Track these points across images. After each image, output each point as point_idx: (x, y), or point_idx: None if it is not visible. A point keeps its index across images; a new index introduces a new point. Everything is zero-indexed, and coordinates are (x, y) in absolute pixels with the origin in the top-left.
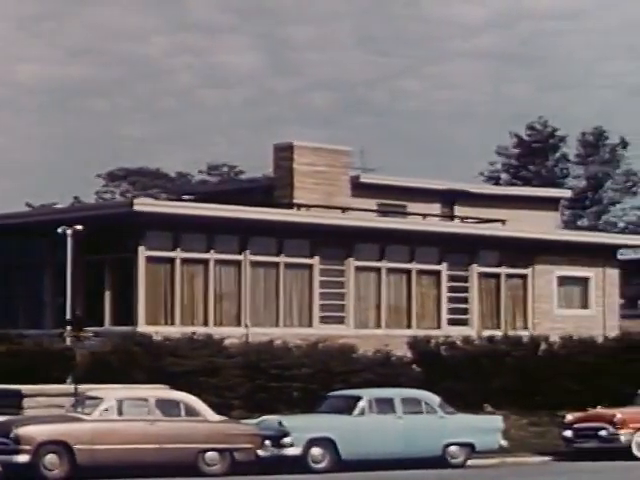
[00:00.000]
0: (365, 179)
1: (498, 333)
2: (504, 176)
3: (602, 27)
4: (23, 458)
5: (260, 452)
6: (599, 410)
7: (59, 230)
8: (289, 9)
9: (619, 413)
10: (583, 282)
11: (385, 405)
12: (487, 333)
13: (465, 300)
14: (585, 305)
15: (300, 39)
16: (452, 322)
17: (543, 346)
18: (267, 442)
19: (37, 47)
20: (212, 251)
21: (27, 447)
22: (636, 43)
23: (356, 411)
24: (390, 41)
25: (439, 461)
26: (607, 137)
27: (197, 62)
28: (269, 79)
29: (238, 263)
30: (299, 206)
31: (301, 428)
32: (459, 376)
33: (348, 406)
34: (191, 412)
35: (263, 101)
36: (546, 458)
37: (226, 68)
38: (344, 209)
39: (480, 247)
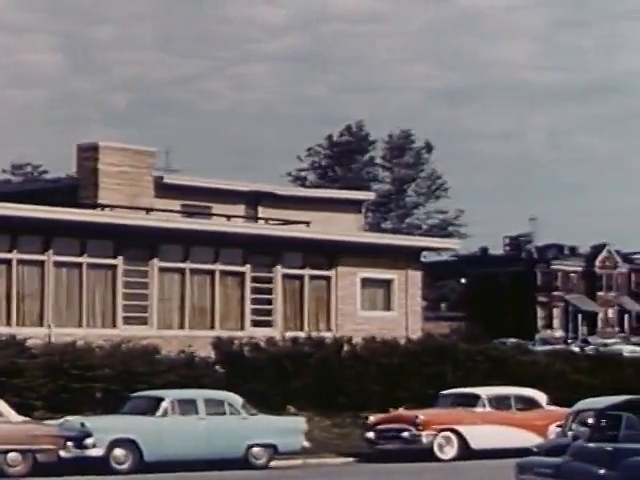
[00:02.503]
0: (169, 180)
1: (301, 334)
2: (311, 177)
3: (404, 31)
4: None
5: (62, 453)
6: (401, 411)
7: None
8: (91, 9)
9: (421, 414)
10: (386, 284)
11: (188, 406)
12: (290, 334)
13: (269, 301)
14: (388, 307)
15: (103, 39)
16: (256, 323)
17: (346, 347)
18: (69, 443)
19: None
20: (15, 251)
21: None
22: (438, 47)
23: (159, 412)
24: (194, 42)
25: (242, 462)
26: (413, 141)
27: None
28: (72, 79)
29: (41, 263)
30: (103, 206)
31: (103, 429)
32: (263, 377)
33: (151, 407)
34: None
35: (66, 101)
36: (349, 459)
37: (29, 67)
38: (148, 210)
39: (284, 249)
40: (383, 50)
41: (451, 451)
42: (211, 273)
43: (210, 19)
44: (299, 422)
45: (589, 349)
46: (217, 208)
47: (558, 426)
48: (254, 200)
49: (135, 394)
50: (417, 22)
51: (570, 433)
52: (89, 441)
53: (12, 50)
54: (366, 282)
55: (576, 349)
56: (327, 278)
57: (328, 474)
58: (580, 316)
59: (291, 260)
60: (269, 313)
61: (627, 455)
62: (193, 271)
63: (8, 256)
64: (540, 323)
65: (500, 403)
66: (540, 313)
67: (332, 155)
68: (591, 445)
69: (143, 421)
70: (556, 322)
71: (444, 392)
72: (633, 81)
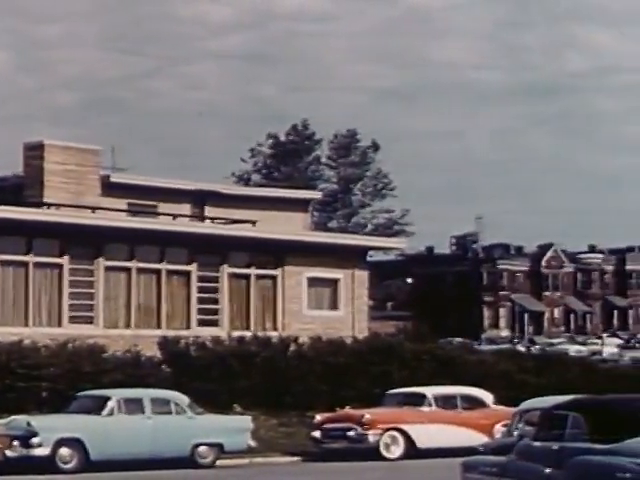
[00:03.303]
0: (115, 179)
1: (248, 334)
2: (255, 177)
3: (352, 30)
4: None
5: (8, 452)
6: (348, 411)
7: None
8: (37, 7)
9: (367, 414)
10: (332, 283)
11: (134, 405)
12: (237, 334)
13: (215, 301)
14: (334, 306)
15: (49, 37)
16: (202, 322)
17: (292, 347)
18: (15, 442)
19: None
20: None
21: None
22: (385, 47)
23: (105, 411)
24: (139, 40)
25: (188, 461)
26: (359, 140)
27: None
28: (18, 77)
29: None
30: (49, 205)
31: (49, 428)
32: (209, 376)
33: (97, 406)
34: None
35: (12, 99)
36: (295, 458)
37: None
38: (94, 209)
39: (230, 248)
40: (330, 49)
41: (397, 450)
42: (157, 272)
43: (157, 17)
44: (245, 421)
45: (535, 349)
46: (163, 207)
47: (504, 425)
48: (200, 199)
49: (81, 393)
50: (364, 22)
51: (516, 432)
52: (35, 440)
53: None
54: (312, 281)
55: (522, 349)
56: (273, 277)
57: (274, 473)
58: (526, 316)
59: (237, 259)
60: (215, 312)
61: (572, 454)
62: (139, 270)
63: None
64: (486, 323)
65: (446, 402)
66: (486, 313)
67: (277, 154)
68: (537, 444)
69: (89, 420)
70: (502, 322)
71: (390, 391)
72: (577, 81)
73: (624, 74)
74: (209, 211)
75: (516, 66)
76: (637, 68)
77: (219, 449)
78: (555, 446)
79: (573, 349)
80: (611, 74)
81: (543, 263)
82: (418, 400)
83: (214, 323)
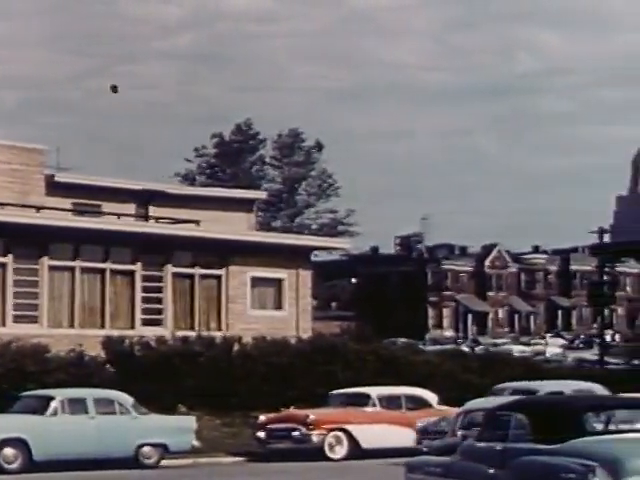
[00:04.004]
0: (60, 178)
1: (192, 333)
2: (200, 177)
3: (298, 31)
4: None
5: None
6: (292, 411)
7: None
8: None
9: (312, 414)
10: (277, 283)
11: (78, 405)
12: (181, 333)
13: (159, 300)
14: (279, 306)
15: None
16: (146, 322)
17: (236, 347)
18: None
19: None
20: None
21: None
22: (332, 47)
23: (49, 411)
24: (85, 40)
25: (132, 461)
26: (303, 140)
27: None
28: None
29: None
30: None
31: None
32: (153, 376)
33: (41, 406)
34: None
35: None
36: (239, 459)
37: None
38: (38, 208)
39: (174, 247)
40: (278, 50)
41: (341, 450)
42: (101, 272)
43: (102, 17)
44: (189, 421)
45: (479, 349)
46: (108, 206)
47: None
48: (145, 199)
49: (25, 393)
50: (312, 22)
51: (460, 432)
52: None
53: None
54: (256, 281)
55: (466, 349)
56: (217, 277)
57: (218, 473)
58: (470, 316)
59: (181, 259)
60: (159, 312)
61: (516, 455)
62: (83, 270)
63: None
64: (430, 323)
65: (390, 403)
66: (430, 313)
67: (222, 154)
68: (480, 444)
69: (33, 420)
70: (446, 322)
71: (334, 392)
72: (525, 82)
73: (573, 75)
74: (154, 211)
75: (464, 67)
76: (585, 69)
77: (163, 449)
78: (499, 446)
79: (517, 349)
80: (560, 75)
81: (487, 263)
82: (362, 400)
83: (158, 323)
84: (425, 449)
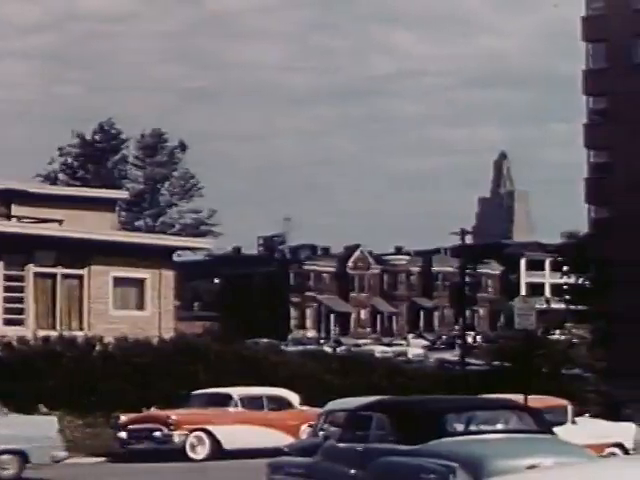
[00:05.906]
0: None
1: (54, 333)
2: (62, 176)
3: (158, 31)
4: None
5: None
6: (153, 411)
7: None
8: None
9: (174, 414)
10: (139, 283)
11: None
12: (43, 333)
13: (21, 300)
14: (141, 306)
15: None
16: (8, 322)
17: (98, 347)
18: None
19: None
20: None
21: None
22: (192, 48)
23: None
24: None
25: None
26: (166, 140)
27: None
28: None
29: None
30: None
31: None
32: (14, 376)
33: None
34: None
35: None
36: (100, 459)
37: None
38: None
39: (36, 247)
40: (136, 50)
41: (203, 451)
42: None
43: None
44: (51, 422)
45: (341, 350)
46: None
47: (310, 426)
48: (6, 198)
49: None
50: (171, 23)
51: (321, 433)
52: None
53: None
54: (119, 281)
55: (328, 349)
56: (79, 277)
57: (80, 474)
58: (333, 316)
59: (43, 258)
60: (21, 312)
61: (377, 455)
62: None
63: None
64: (293, 323)
65: (252, 403)
66: (293, 313)
67: (84, 154)
68: (342, 445)
69: None
70: (309, 322)
71: (196, 392)
72: (382, 84)
73: (428, 77)
74: (16, 210)
75: (323, 68)
76: (441, 71)
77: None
78: (360, 447)
79: (379, 350)
80: (415, 77)
81: (349, 264)
82: (224, 401)
83: (19, 322)
84: (287, 449)
